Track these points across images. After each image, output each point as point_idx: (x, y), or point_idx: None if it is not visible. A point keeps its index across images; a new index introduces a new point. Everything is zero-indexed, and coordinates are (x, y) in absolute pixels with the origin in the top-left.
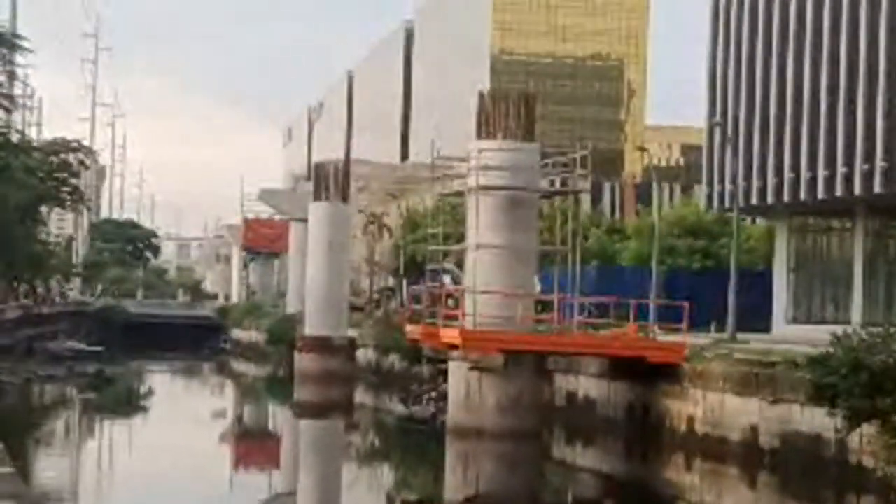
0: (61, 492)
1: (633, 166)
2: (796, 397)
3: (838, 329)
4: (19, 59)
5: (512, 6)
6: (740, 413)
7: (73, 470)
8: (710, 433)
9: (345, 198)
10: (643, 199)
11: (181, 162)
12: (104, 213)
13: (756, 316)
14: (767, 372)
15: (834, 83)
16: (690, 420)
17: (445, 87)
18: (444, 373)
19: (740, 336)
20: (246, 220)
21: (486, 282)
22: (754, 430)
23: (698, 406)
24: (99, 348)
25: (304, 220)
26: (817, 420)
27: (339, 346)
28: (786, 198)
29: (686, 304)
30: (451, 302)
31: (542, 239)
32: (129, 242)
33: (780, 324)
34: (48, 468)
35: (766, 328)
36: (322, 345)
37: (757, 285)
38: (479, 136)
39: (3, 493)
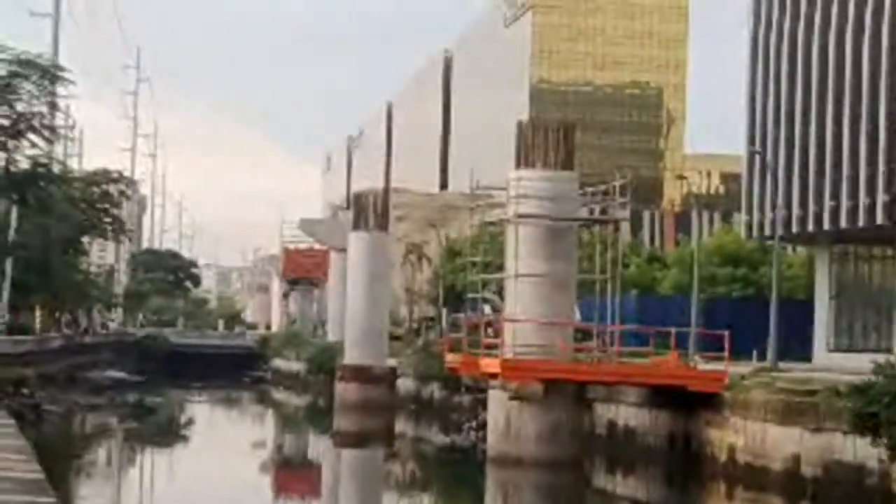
0: None
1: (672, 195)
2: (838, 426)
3: (880, 357)
4: (60, 90)
5: (551, 35)
6: (782, 442)
7: (114, 499)
8: (751, 462)
9: (384, 227)
10: (683, 228)
11: (221, 192)
12: (145, 244)
13: (797, 344)
14: (809, 401)
15: (874, 111)
16: (731, 449)
17: (484, 117)
18: (484, 402)
19: (781, 364)
20: (286, 250)
21: (526, 311)
22: (796, 459)
23: (739, 435)
24: (140, 378)
25: (344, 250)
26: (860, 449)
27: (379, 375)
28: (826, 226)
29: (727, 333)
30: (490, 331)
31: (582, 268)
32: (169, 272)
33: (822, 352)
34: (90, 497)
35: (808, 357)
36: (362, 374)
37: (798, 314)
38: (518, 165)
39: None
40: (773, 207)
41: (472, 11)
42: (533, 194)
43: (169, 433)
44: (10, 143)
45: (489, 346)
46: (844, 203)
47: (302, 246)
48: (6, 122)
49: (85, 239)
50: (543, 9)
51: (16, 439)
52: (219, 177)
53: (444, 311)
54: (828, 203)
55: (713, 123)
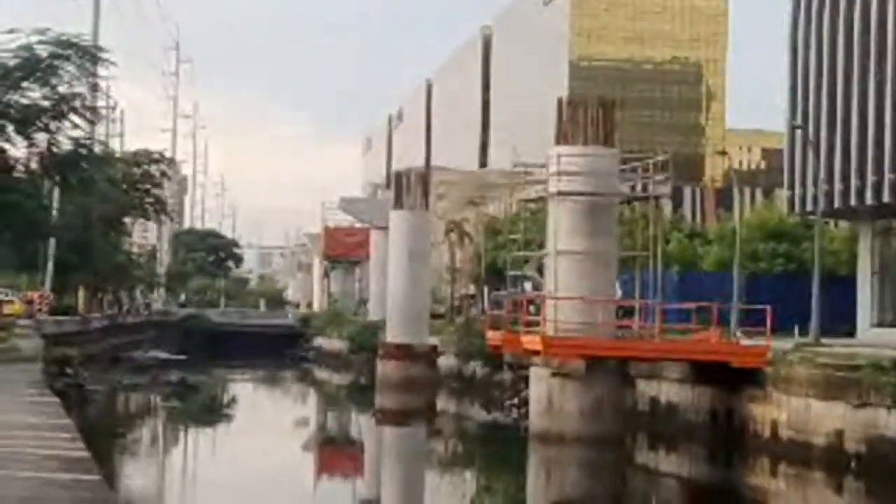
0: (147, 499)
1: (713, 171)
2: (882, 401)
3: None
4: (101, 71)
5: (590, 12)
6: (825, 417)
7: (158, 477)
8: (794, 437)
9: (425, 205)
10: (724, 204)
11: (262, 172)
12: (186, 224)
13: (840, 320)
14: (852, 376)
15: None
16: (774, 424)
17: (524, 94)
18: (526, 379)
19: (824, 340)
20: (326, 229)
21: (567, 288)
22: (839, 434)
23: (782, 410)
24: (182, 357)
25: (385, 228)
26: None
27: (420, 353)
28: (869, 200)
29: (769, 308)
30: (532, 308)
31: (623, 244)
32: (211, 252)
33: (865, 327)
34: (134, 475)
35: (851, 332)
36: (404, 352)
37: (840, 289)
38: (558, 141)
39: (91, 499)
40: (816, 182)
41: None
42: (573, 171)
43: (211, 412)
44: (52, 125)
45: (530, 324)
46: (887, 177)
47: (343, 225)
48: (48, 104)
49: (127, 219)
50: None
51: (60, 418)
52: (260, 157)
53: (485, 288)
54: (870, 178)
55: (754, 98)
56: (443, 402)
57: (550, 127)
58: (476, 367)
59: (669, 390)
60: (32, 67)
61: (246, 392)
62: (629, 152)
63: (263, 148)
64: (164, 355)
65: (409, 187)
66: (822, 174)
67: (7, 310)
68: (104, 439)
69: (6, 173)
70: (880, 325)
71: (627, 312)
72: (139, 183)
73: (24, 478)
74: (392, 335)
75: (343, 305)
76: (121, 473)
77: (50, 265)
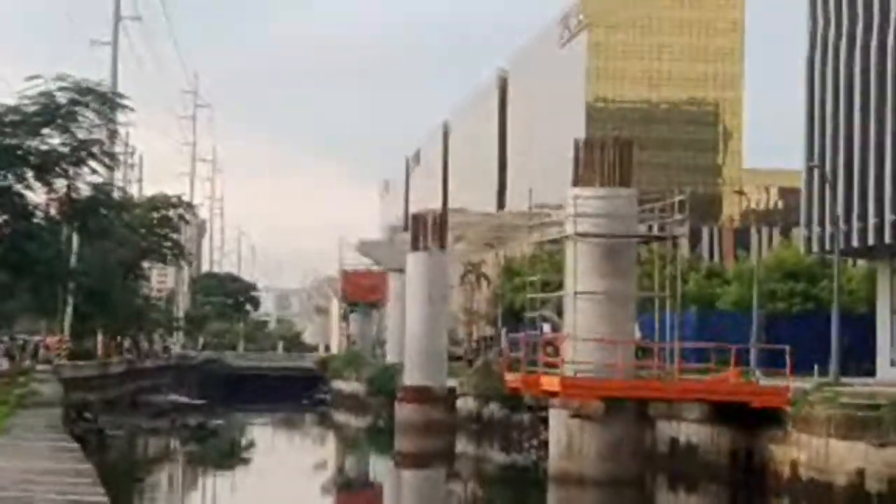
0: None
1: (731, 210)
2: None
3: None
4: (120, 117)
5: (606, 53)
6: (846, 457)
7: None
8: (815, 477)
9: (442, 247)
10: (742, 243)
11: (279, 215)
12: (205, 267)
13: (859, 359)
14: (873, 415)
15: None
16: (795, 464)
17: (541, 135)
18: (545, 420)
19: (844, 379)
20: (344, 272)
21: (586, 328)
22: (860, 474)
23: (803, 450)
24: (201, 401)
25: (402, 271)
26: None
27: (439, 395)
28: (887, 239)
29: (788, 348)
30: (550, 350)
31: (641, 284)
32: (229, 296)
33: (885, 366)
34: None
35: (871, 371)
36: (422, 394)
37: (859, 328)
38: (575, 183)
39: None
40: (833, 221)
41: (527, 32)
42: (591, 212)
43: (231, 455)
44: (71, 171)
45: (549, 365)
46: None
47: (361, 268)
48: (67, 150)
49: (145, 264)
50: (598, 28)
51: (80, 463)
52: (278, 200)
53: (504, 330)
54: (888, 216)
55: (771, 138)
56: (462, 445)
57: (568, 168)
58: (495, 409)
59: (689, 431)
60: (52, 114)
61: (265, 435)
62: (646, 193)
63: (281, 192)
64: (183, 399)
65: (427, 229)
66: (839, 213)
67: None
68: (124, 484)
69: (26, 220)
70: None
71: (646, 353)
72: (157, 227)
73: None
74: (410, 378)
75: (361, 348)
76: None
77: (69, 310)
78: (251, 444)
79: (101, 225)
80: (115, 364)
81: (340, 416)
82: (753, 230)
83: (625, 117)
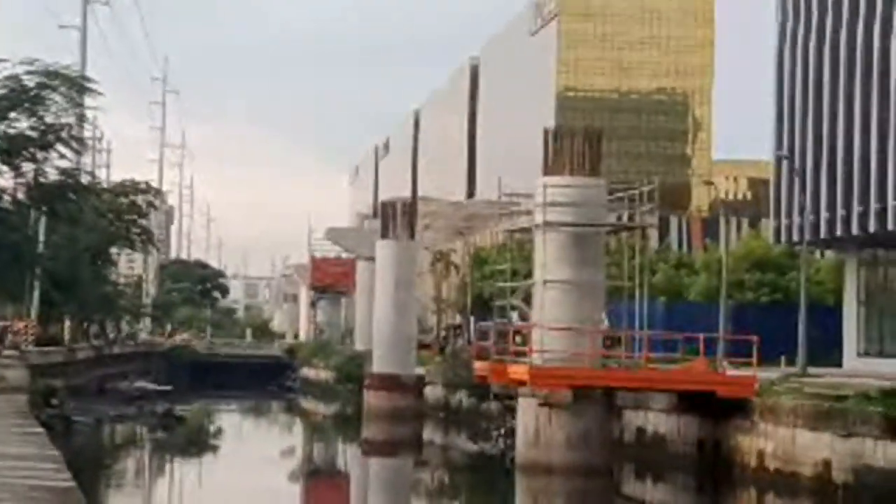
0: None
1: (700, 201)
2: (869, 431)
3: None
4: (88, 101)
5: (577, 43)
6: (812, 447)
7: None
8: (781, 468)
9: (411, 235)
10: (711, 234)
11: (248, 202)
12: (173, 254)
13: (826, 350)
14: (839, 406)
15: None
16: (761, 455)
17: (511, 125)
18: (513, 409)
19: (810, 370)
20: (313, 259)
21: (554, 318)
22: (826, 464)
23: (769, 441)
24: (168, 388)
25: (371, 259)
26: (891, 454)
27: (407, 383)
28: (854, 230)
29: (755, 338)
30: (518, 338)
31: (610, 274)
32: (197, 283)
33: (851, 357)
34: None
35: (837, 362)
36: (390, 382)
37: (826, 319)
38: (545, 172)
39: None
40: (802, 212)
41: (497, 20)
42: (560, 201)
43: (198, 443)
44: (39, 155)
45: (517, 354)
46: (873, 207)
47: (330, 255)
48: (35, 134)
49: (113, 250)
50: (569, 17)
51: (47, 449)
52: (246, 187)
53: (472, 318)
54: (856, 207)
55: (740, 129)
56: (429, 433)
57: (537, 157)
58: (463, 398)
59: (656, 420)
60: (19, 97)
61: (232, 422)
62: (615, 182)
63: (250, 178)
64: (150, 386)
65: (396, 217)
66: (807, 204)
67: None
68: (90, 470)
69: None
70: (867, 354)
71: (614, 342)
72: (126, 213)
73: None
74: (378, 365)
75: (329, 336)
76: None
77: (35, 295)
78: (218, 432)
79: (69, 210)
80: (81, 350)
81: (308, 404)
82: (722, 220)
83: (595, 107)
